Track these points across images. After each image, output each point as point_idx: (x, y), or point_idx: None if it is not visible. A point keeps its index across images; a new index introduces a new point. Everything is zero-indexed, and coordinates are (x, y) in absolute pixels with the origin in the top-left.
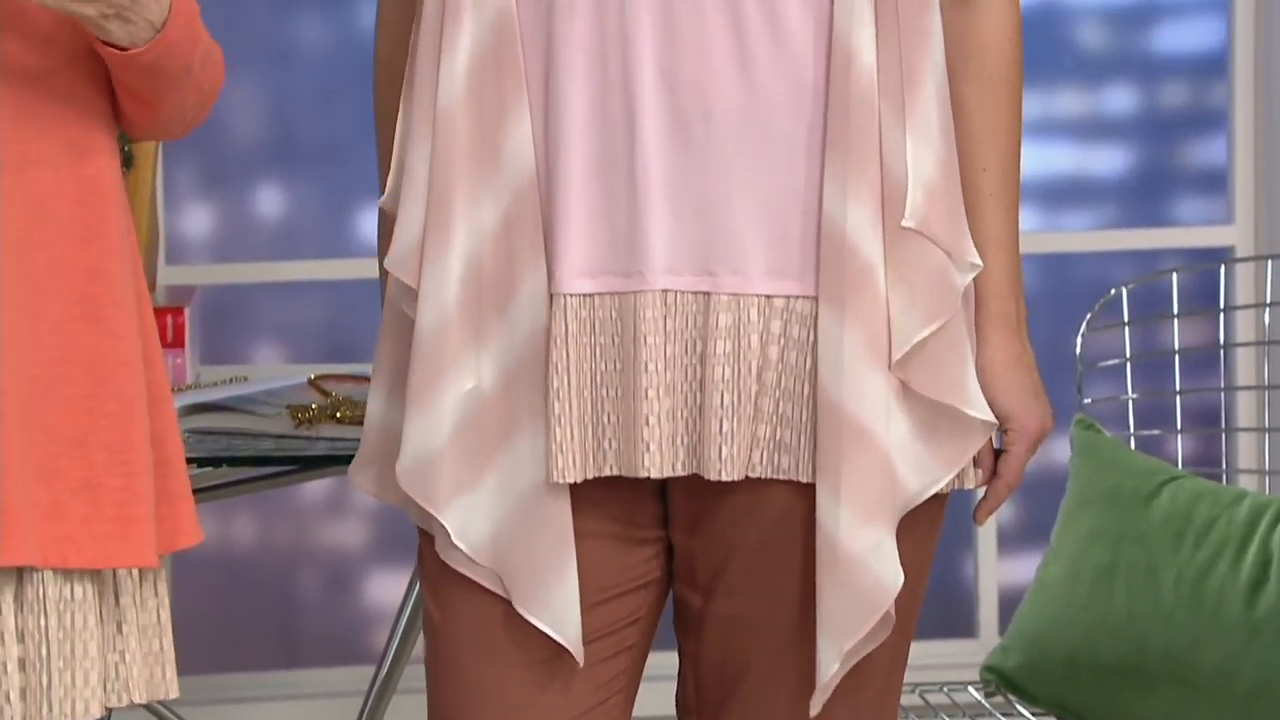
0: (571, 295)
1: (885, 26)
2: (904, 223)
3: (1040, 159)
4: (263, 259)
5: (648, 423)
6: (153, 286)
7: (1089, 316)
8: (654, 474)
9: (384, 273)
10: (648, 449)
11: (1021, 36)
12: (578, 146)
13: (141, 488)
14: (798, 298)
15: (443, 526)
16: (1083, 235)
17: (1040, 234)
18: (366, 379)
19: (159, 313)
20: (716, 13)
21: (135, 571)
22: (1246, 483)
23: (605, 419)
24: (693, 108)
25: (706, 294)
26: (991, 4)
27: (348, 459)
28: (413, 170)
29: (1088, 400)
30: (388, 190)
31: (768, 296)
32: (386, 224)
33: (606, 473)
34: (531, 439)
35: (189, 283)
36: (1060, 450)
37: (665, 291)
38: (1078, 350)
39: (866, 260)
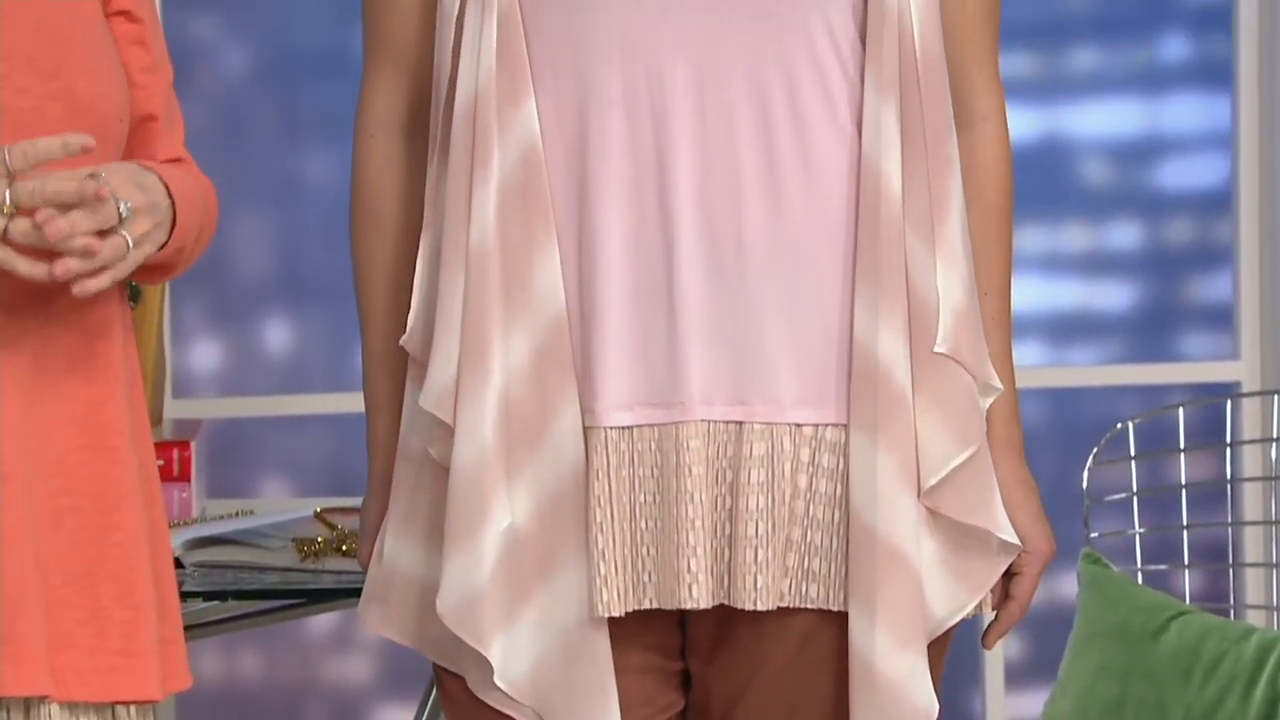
0: (611, 429)
1: (912, 154)
2: (937, 348)
3: (1046, 294)
4: (269, 392)
5: (695, 553)
6: (159, 420)
7: (1095, 451)
8: (700, 605)
9: (373, 414)
10: (695, 580)
11: (1012, 164)
12: (615, 276)
13: (146, 620)
14: (828, 425)
15: (480, 664)
16: (1089, 370)
17: (1046, 368)
18: None
19: (165, 446)
20: (750, 141)
21: (133, 707)
22: (1254, 618)
23: (644, 551)
24: (726, 236)
25: (739, 423)
26: (988, 131)
27: (354, 592)
28: (446, 307)
29: (1095, 534)
30: (410, 329)
31: (798, 425)
32: (383, 366)
33: (645, 605)
34: (570, 573)
35: (195, 416)
36: (1068, 585)
37: (703, 421)
38: (1084, 484)
39: (899, 386)
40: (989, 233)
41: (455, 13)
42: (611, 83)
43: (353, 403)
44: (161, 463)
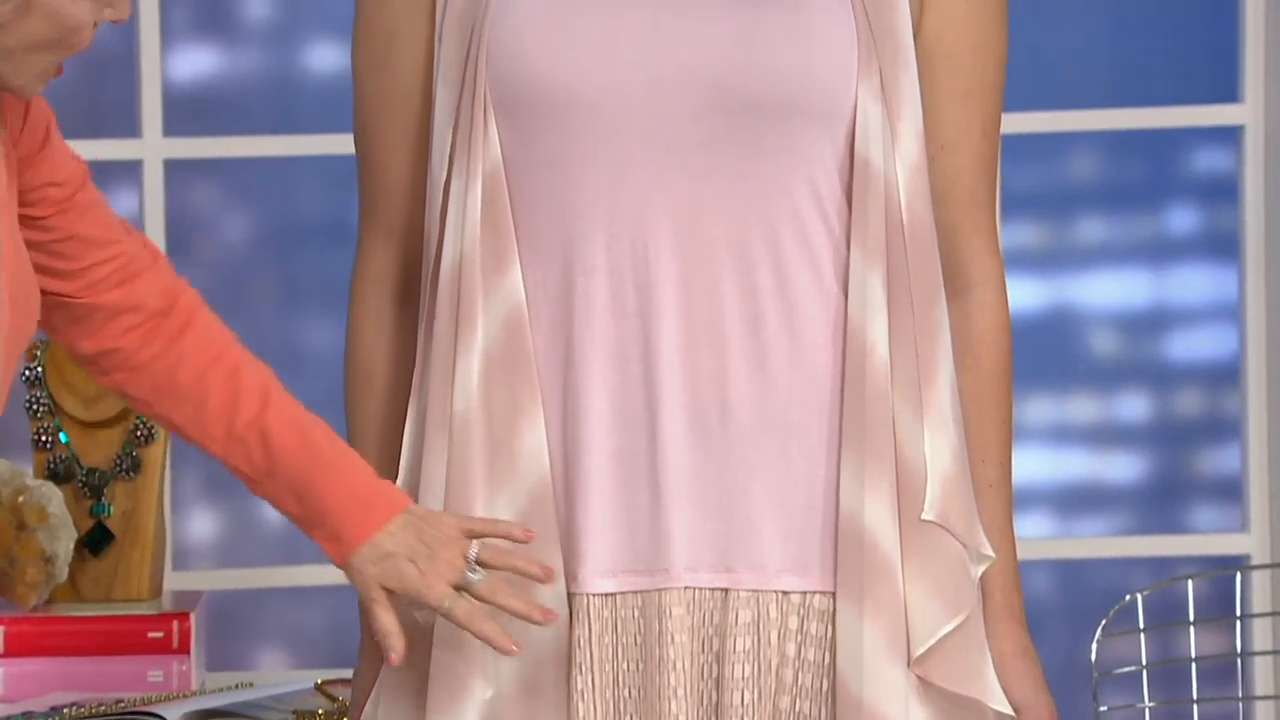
0: (595, 595)
1: (899, 319)
2: (924, 515)
3: (1054, 465)
4: (268, 564)
5: None
6: (159, 592)
7: (1104, 623)
8: None
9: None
10: None
11: (1011, 329)
12: (599, 442)
13: None
14: (816, 593)
15: None
16: (1097, 541)
17: (1054, 540)
18: None
19: (164, 619)
20: (735, 307)
21: None
22: None
23: (626, 719)
24: (711, 402)
25: (725, 590)
26: (985, 298)
27: None
28: (430, 474)
29: (1104, 709)
30: None
31: (786, 592)
32: None
33: None
34: None
35: (195, 588)
36: None
37: (687, 588)
38: (1093, 657)
39: (885, 554)
40: (985, 398)
41: (443, 179)
42: (596, 249)
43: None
44: (160, 635)
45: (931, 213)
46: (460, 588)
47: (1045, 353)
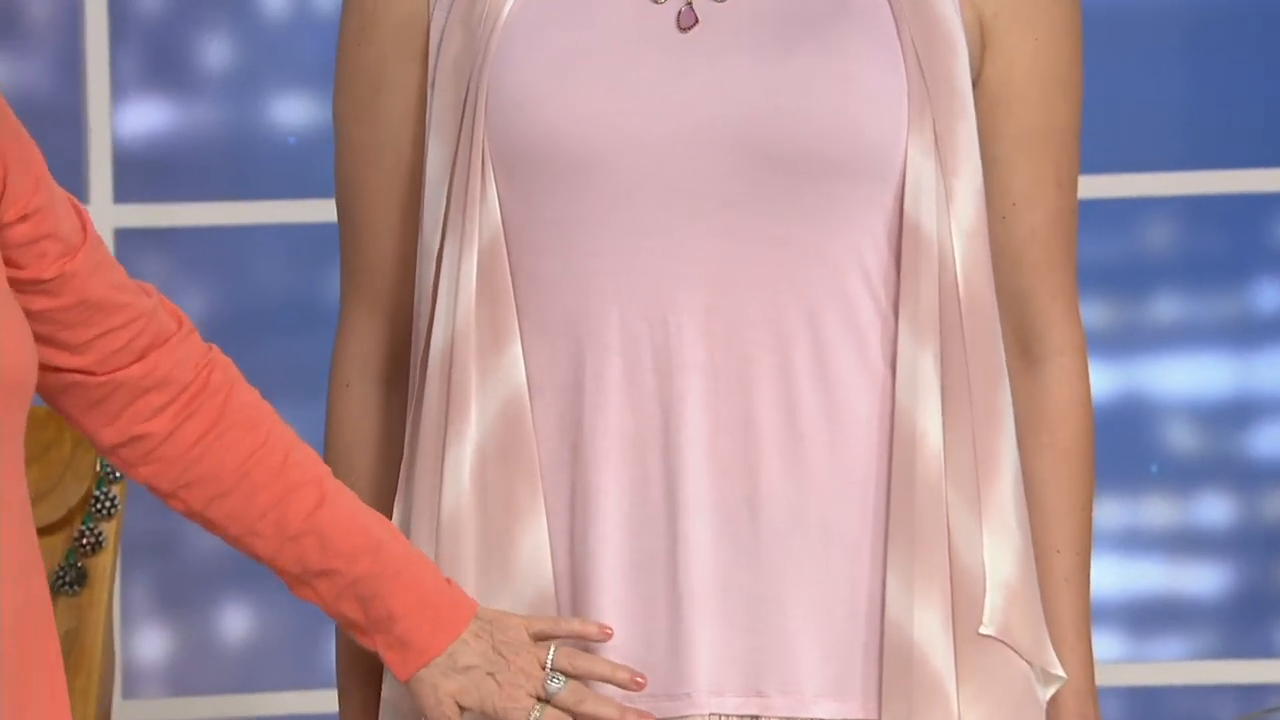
0: None
1: (954, 405)
2: (983, 629)
3: (1125, 577)
4: (229, 690)
5: None
6: None
7: None
8: None
9: (344, 698)
10: None
11: (1092, 404)
12: (611, 547)
13: None
14: None
15: None
16: (1175, 666)
17: (1126, 664)
18: None
19: None
20: (768, 391)
21: None
22: None
23: None
24: (739, 501)
25: (755, 718)
26: (1065, 367)
27: None
28: None
29: None
30: None
31: None
32: (360, 649)
33: None
34: None
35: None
36: None
37: (711, 716)
38: None
39: (937, 672)
40: (1063, 482)
41: (436, 246)
42: (609, 326)
43: (323, 701)
44: None
45: (992, 284)
46: (542, 699)
47: (1115, 447)
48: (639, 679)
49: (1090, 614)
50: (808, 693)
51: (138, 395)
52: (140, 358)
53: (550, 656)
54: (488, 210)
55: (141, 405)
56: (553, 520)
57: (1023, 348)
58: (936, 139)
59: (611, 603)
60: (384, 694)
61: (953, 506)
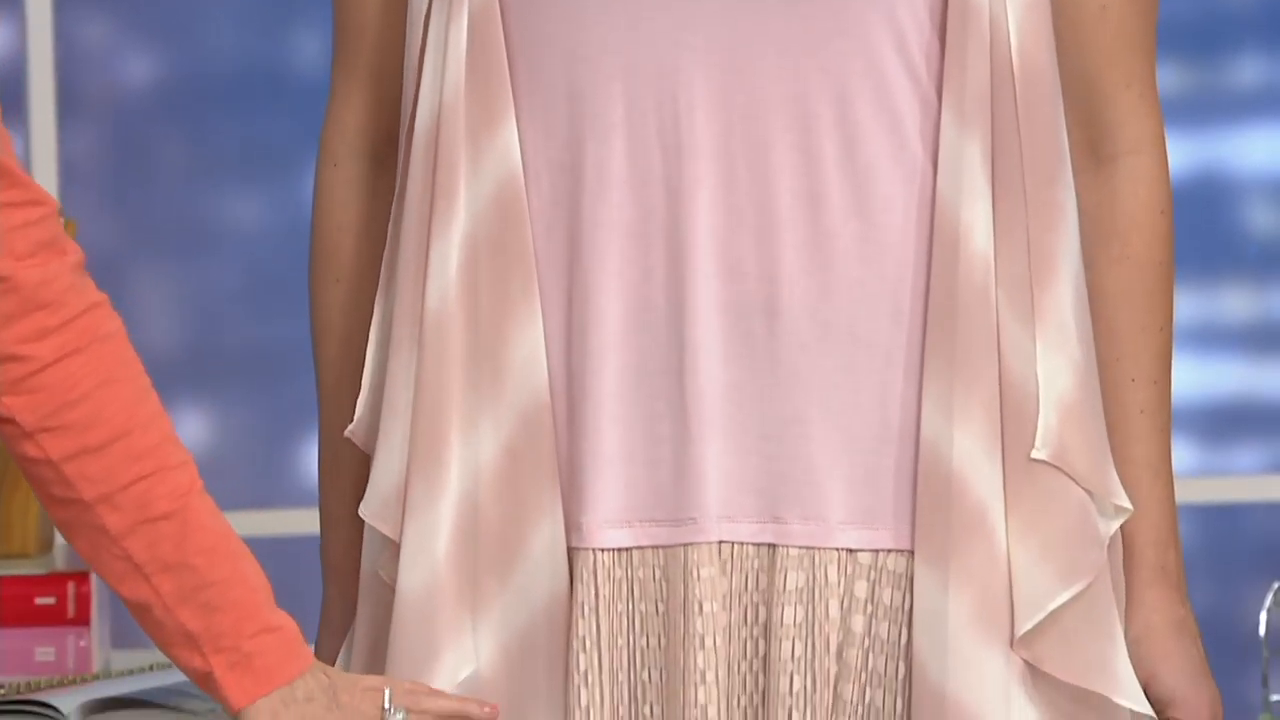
0: (603, 550)
1: (1005, 200)
2: (1034, 453)
3: (1200, 379)
4: None
5: (707, 716)
6: (48, 547)
7: (1276, 586)
8: None
9: (326, 527)
10: None
11: (1172, 210)
12: (612, 353)
13: None
14: (890, 551)
15: None
16: (1256, 480)
17: (1199, 479)
18: None
19: (57, 579)
20: (789, 181)
21: None
22: None
23: (646, 710)
24: (755, 303)
25: (771, 546)
26: (1138, 167)
27: None
28: (393, 391)
29: (1276, 697)
30: (358, 416)
31: (850, 550)
32: (343, 459)
33: None
34: None
35: None
36: None
37: (721, 543)
38: (1261, 629)
39: (979, 502)
40: (1137, 300)
41: (424, 7)
42: (613, 103)
43: (290, 522)
44: (52, 601)
45: (1054, 62)
46: None
47: (1189, 233)
48: (488, 708)
49: (1170, 450)
50: (831, 520)
51: (28, 309)
52: (35, 254)
53: (388, 693)
54: None
55: (29, 323)
56: (548, 324)
57: (1090, 145)
58: None
59: (610, 419)
60: (363, 566)
61: (1001, 315)
